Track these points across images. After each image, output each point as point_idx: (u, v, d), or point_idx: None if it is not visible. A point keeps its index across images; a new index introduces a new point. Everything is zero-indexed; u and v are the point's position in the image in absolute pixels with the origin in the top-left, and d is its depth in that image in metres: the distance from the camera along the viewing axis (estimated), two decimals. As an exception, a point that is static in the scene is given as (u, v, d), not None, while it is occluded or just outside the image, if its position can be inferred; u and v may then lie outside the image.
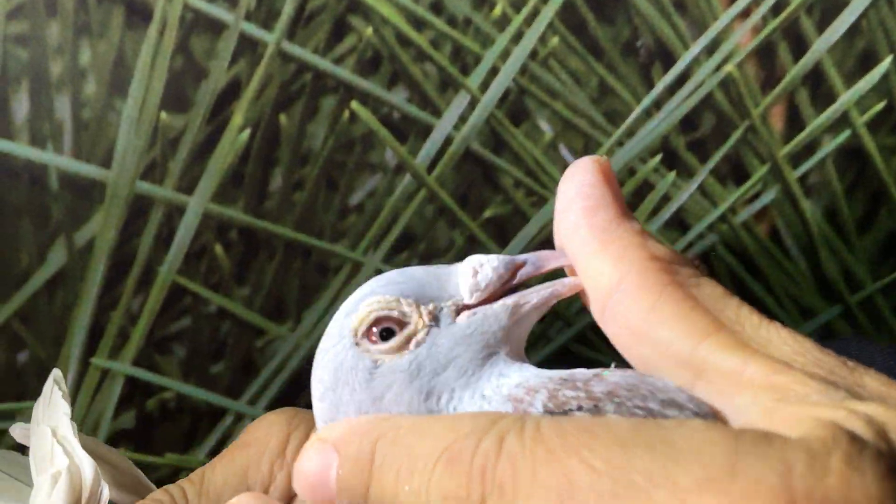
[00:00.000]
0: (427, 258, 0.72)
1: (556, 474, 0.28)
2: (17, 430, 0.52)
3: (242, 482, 0.42)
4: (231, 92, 0.67)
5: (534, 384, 0.33)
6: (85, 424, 0.70)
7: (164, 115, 0.67)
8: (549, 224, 0.71)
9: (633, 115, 0.68)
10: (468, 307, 0.35)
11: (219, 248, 0.68)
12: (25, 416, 0.69)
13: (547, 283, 0.34)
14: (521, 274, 0.34)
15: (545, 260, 0.35)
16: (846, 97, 0.68)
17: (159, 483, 0.71)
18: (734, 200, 0.72)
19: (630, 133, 0.68)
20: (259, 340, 0.70)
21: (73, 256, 0.69)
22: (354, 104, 0.67)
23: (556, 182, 0.71)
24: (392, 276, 0.35)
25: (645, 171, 0.69)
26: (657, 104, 0.68)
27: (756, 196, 0.73)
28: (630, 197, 0.71)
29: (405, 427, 0.31)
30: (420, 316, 0.34)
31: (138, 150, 0.69)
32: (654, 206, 0.71)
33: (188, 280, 0.69)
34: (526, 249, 0.71)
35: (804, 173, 0.70)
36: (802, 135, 0.69)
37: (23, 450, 0.54)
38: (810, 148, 0.71)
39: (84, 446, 0.43)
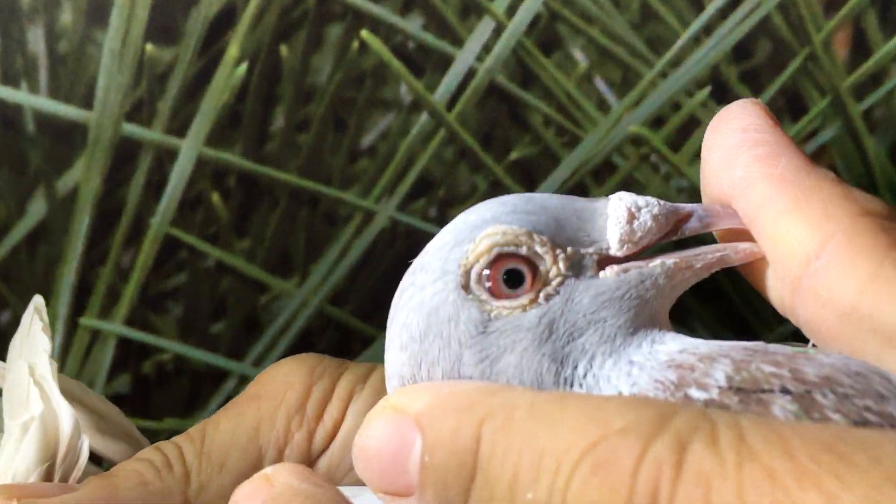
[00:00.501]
0: (446, 205, 0.64)
1: None
2: None
3: (252, 442, 0.36)
4: (225, 20, 0.62)
5: (706, 351, 0.28)
6: (75, 389, 0.64)
7: (149, 47, 0.62)
8: (582, 167, 0.64)
9: (680, 43, 0.63)
10: (615, 260, 0.29)
11: (216, 197, 0.64)
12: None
13: (714, 246, 0.29)
14: (684, 229, 0.29)
15: (716, 216, 0.29)
16: (920, 20, 0.62)
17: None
18: (791, 138, 0.64)
19: (675, 63, 0.63)
20: (262, 297, 0.66)
21: (54, 207, 0.64)
22: (364, 33, 0.63)
23: (590, 119, 0.65)
24: (516, 201, 0.29)
25: (692, 105, 0.65)
26: (707, 29, 0.62)
27: (814, 133, 0.66)
28: (674, 135, 0.64)
29: (523, 408, 0.25)
30: (555, 260, 0.28)
31: (122, 88, 0.62)
32: (700, 145, 0.63)
33: (183, 232, 0.64)
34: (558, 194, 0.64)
35: (869, 107, 0.65)
36: (869, 63, 0.64)
37: None
38: (877, 78, 0.65)
39: (64, 390, 0.37)
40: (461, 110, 0.64)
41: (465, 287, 0.28)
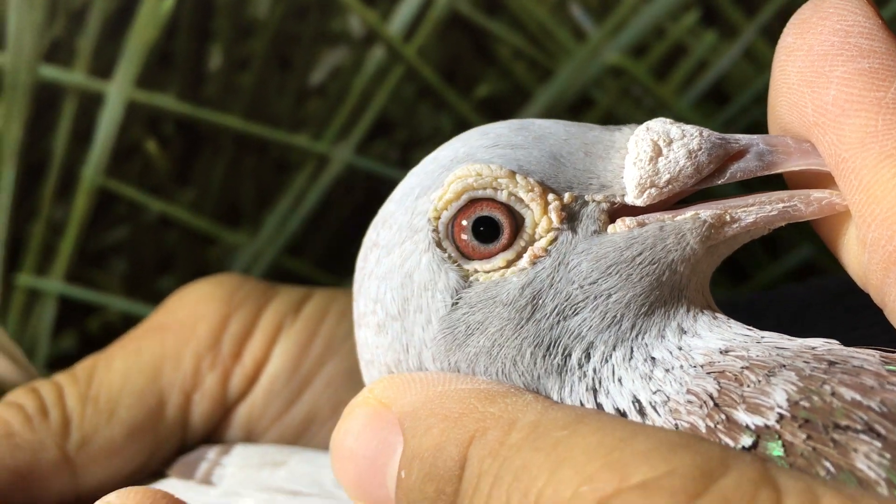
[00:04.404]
0: (408, 148, 0.51)
1: None
2: None
3: (152, 385, 0.27)
4: (151, -54, 0.51)
5: (760, 356, 0.19)
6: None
7: None
8: (556, 103, 0.51)
9: None
10: (632, 210, 0.20)
11: (152, 145, 0.53)
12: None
13: (776, 194, 0.20)
14: (735, 170, 0.20)
15: (784, 153, 0.19)
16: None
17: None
18: (788, 65, 0.51)
19: None
20: (212, 250, 0.55)
21: None
22: None
23: (564, 50, 0.52)
24: (501, 131, 0.21)
25: (678, 31, 0.52)
26: None
27: None
28: (658, 65, 0.50)
29: (524, 427, 0.17)
30: (545, 210, 0.20)
31: (36, 27, 0.50)
32: (687, 75, 0.53)
33: (119, 183, 0.53)
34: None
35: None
36: None
37: None
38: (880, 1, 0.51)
39: None
40: (420, 43, 0.52)
41: (439, 245, 0.20)
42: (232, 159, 0.52)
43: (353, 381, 0.27)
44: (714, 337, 0.20)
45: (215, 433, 0.28)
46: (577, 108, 0.52)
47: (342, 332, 0.28)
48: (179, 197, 0.53)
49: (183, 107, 0.51)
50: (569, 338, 0.20)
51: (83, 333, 0.55)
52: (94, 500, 0.25)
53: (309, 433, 0.27)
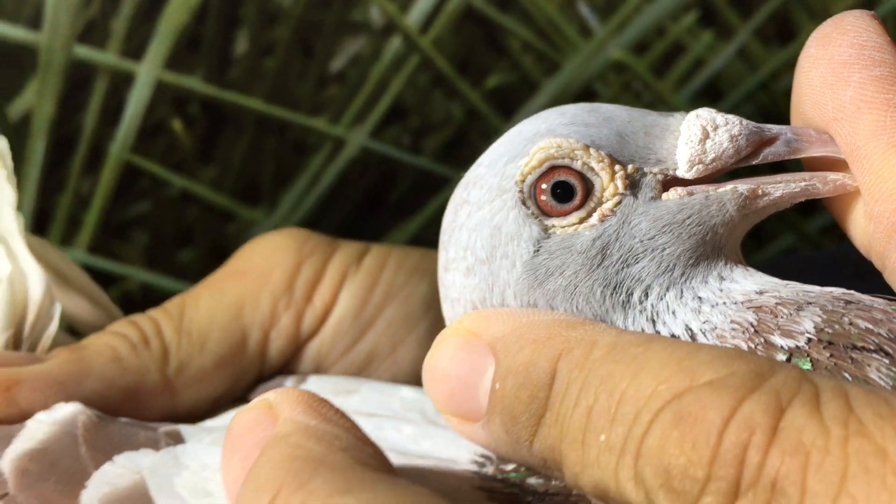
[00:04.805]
0: (420, 134, 0.54)
1: (889, 500, 0.17)
2: None
3: (235, 322, 0.30)
4: (184, -66, 0.52)
5: (790, 296, 0.23)
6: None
7: None
8: (561, 95, 0.54)
9: None
10: (682, 182, 0.24)
11: (177, 124, 0.54)
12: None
13: (799, 174, 0.24)
14: (767, 154, 0.24)
15: (807, 142, 0.23)
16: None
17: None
18: (778, 65, 0.54)
19: None
20: (230, 225, 0.57)
21: (7, 132, 0.52)
22: None
23: (571, 45, 0.54)
24: (576, 112, 0.24)
25: (677, 30, 0.55)
26: None
27: None
28: (658, 62, 0.53)
29: (604, 346, 0.21)
30: (612, 178, 0.24)
31: (72, 8, 0.52)
32: (685, 72, 0.55)
33: (144, 159, 0.55)
34: (535, 123, 0.53)
35: None
36: None
37: None
38: (870, 4, 0.57)
39: (30, 248, 0.30)
40: (436, 35, 0.54)
41: (524, 203, 0.24)
42: (253, 140, 0.55)
43: (409, 325, 0.31)
44: (749, 282, 0.24)
45: (288, 366, 0.31)
46: (580, 99, 0.55)
47: (399, 281, 0.31)
48: (201, 174, 0.55)
49: (208, 88, 0.53)
50: (631, 281, 0.24)
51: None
52: (188, 420, 0.28)
53: (370, 368, 0.31)
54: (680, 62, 0.55)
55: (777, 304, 0.23)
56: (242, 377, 0.30)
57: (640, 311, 0.24)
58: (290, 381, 0.30)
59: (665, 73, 0.55)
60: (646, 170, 0.24)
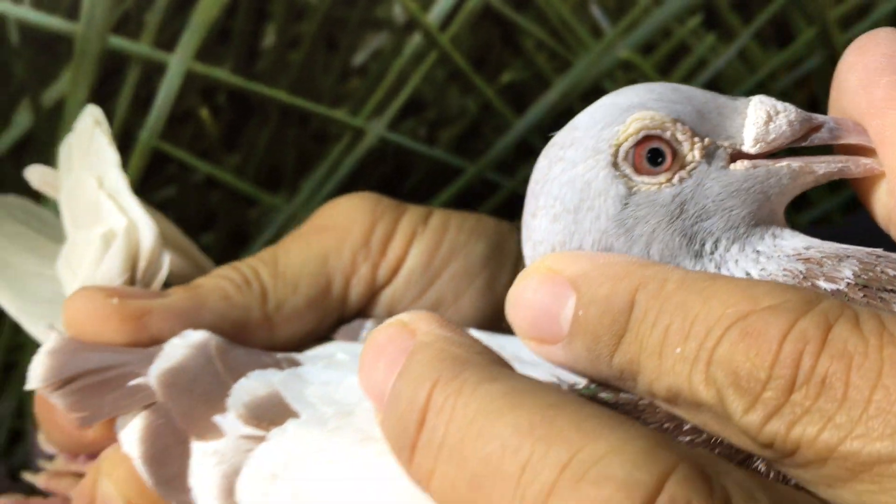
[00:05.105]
0: (436, 126, 0.56)
1: None
2: (34, 174, 0.40)
3: (321, 269, 0.34)
4: (215, -69, 0.54)
5: (832, 250, 0.27)
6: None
7: None
8: (571, 91, 0.56)
9: None
10: (746, 156, 0.28)
11: (205, 113, 0.56)
12: None
13: (838, 157, 0.28)
14: (814, 138, 0.28)
15: (846, 130, 0.28)
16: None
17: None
18: (776, 66, 0.57)
19: None
20: (252, 211, 0.59)
21: (40, 118, 0.55)
22: None
23: (582, 44, 0.57)
24: (662, 90, 0.28)
25: (682, 32, 0.58)
26: None
27: (799, 61, 0.58)
28: (664, 62, 0.56)
29: (675, 280, 0.24)
30: (692, 148, 0.28)
31: (108, 1, 0.53)
32: (688, 72, 0.57)
33: (172, 146, 0.56)
34: (547, 118, 0.56)
35: (853, 37, 0.54)
36: None
37: (36, 197, 0.42)
38: (863, 11, 0.59)
39: None
40: (455, 32, 0.56)
41: (615, 165, 0.27)
42: (276, 129, 0.56)
43: (469, 278, 0.35)
44: (797, 240, 0.28)
45: (365, 310, 0.35)
46: (589, 96, 0.57)
47: (461, 240, 0.35)
48: (226, 161, 0.57)
49: (236, 79, 0.55)
50: (703, 233, 0.27)
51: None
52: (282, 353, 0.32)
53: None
54: (684, 62, 0.58)
55: (822, 256, 0.27)
56: (327, 318, 0.34)
57: (710, 260, 0.27)
58: (368, 324, 0.34)
59: (670, 72, 0.58)
60: (718, 143, 0.28)
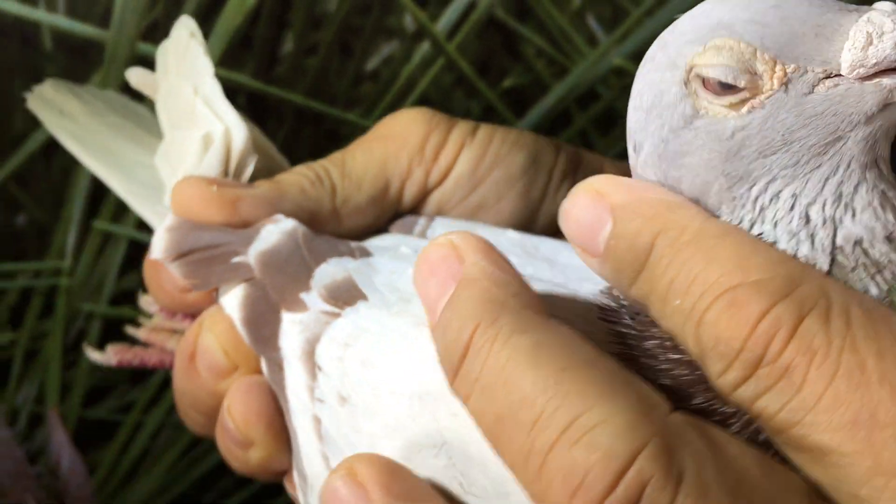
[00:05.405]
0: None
1: (858, 399, 0.23)
2: (134, 76, 0.45)
3: (381, 173, 0.39)
4: (238, -55, 0.56)
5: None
6: (88, 286, 0.60)
7: None
8: (568, 95, 0.60)
9: None
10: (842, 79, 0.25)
11: None
12: (26, 276, 0.58)
13: None
14: None
15: None
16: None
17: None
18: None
19: (661, 1, 0.59)
20: None
21: None
22: None
23: (579, 52, 0.60)
24: (761, 8, 0.25)
25: None
26: None
27: None
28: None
29: (690, 233, 0.26)
30: (772, 76, 0.25)
31: (138, 10, 0.56)
32: None
33: None
34: (545, 121, 0.60)
35: None
36: None
37: (135, 96, 0.47)
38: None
39: None
40: (461, 40, 0.59)
41: (686, 83, 0.26)
42: (292, 129, 0.59)
43: (509, 184, 0.39)
44: (865, 189, 0.26)
45: (417, 209, 0.39)
46: (585, 100, 0.61)
47: (503, 151, 0.39)
48: None
49: (255, 83, 0.58)
50: (759, 171, 0.26)
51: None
52: None
53: (479, 214, 0.39)
54: (671, 69, 0.62)
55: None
56: (384, 214, 0.39)
57: (748, 212, 0.26)
58: (422, 219, 0.39)
59: (658, 79, 0.62)
60: (808, 69, 0.25)
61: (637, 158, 0.28)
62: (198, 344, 0.36)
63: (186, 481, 0.65)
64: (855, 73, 0.25)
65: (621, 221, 0.27)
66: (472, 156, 0.39)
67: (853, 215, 0.26)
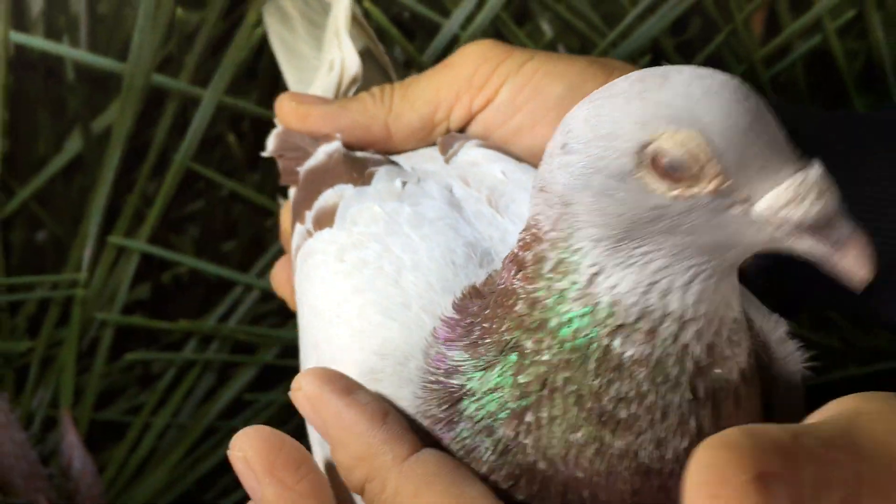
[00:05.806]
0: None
1: None
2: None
3: (434, 96, 0.44)
4: (245, -12, 0.59)
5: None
6: (102, 296, 0.64)
7: (179, 11, 0.61)
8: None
9: (628, 19, 0.63)
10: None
11: (232, 138, 0.63)
12: (45, 288, 0.62)
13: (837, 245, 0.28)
14: (807, 245, 0.28)
15: (847, 248, 0.28)
16: (822, 4, 0.65)
17: (172, 346, 0.66)
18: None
19: (624, 35, 0.64)
20: (268, 221, 0.65)
21: (90, 144, 0.62)
22: (367, 3, 0.62)
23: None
24: (738, 120, 0.27)
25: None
26: (651, 8, 0.63)
27: None
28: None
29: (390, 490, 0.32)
30: (710, 181, 0.27)
31: (154, 45, 0.61)
32: None
33: (202, 166, 0.64)
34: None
35: (775, 74, 0.66)
36: (778, 39, 0.65)
37: None
38: (784, 52, 0.67)
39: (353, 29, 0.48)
40: None
41: (643, 147, 0.27)
42: None
43: (545, 111, 0.43)
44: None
45: (463, 129, 0.45)
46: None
47: (543, 83, 0.44)
48: (248, 179, 0.63)
49: (260, 110, 0.61)
50: (651, 240, 0.28)
51: (156, 285, 0.64)
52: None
53: (517, 137, 0.43)
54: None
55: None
56: (433, 133, 0.45)
57: (620, 259, 0.28)
58: (458, 142, 0.44)
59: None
60: (738, 190, 0.27)
61: (564, 158, 0.28)
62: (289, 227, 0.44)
63: (190, 479, 0.68)
64: (766, 214, 0.27)
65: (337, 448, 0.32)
66: (514, 87, 0.43)
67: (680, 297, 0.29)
